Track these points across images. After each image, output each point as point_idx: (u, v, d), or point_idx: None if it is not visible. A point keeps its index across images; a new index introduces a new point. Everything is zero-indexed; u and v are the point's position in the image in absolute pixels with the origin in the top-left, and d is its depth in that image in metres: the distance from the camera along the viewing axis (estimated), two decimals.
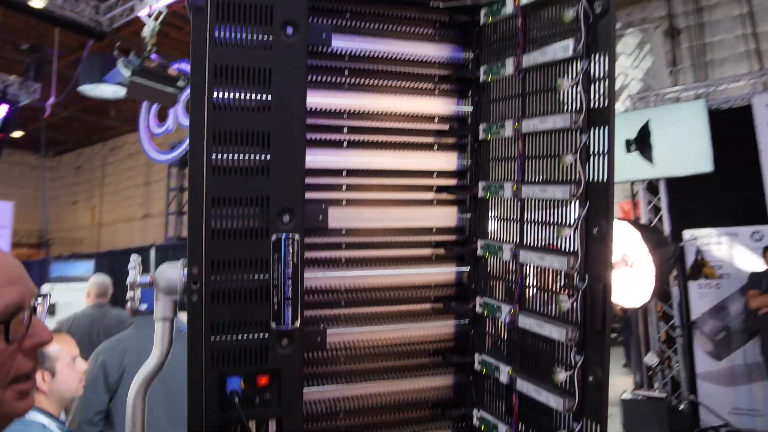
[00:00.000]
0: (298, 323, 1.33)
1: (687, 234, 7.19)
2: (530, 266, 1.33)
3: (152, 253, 11.22)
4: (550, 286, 1.28)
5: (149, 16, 8.02)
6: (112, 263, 11.53)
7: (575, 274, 1.18)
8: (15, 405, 0.93)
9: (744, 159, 7.06)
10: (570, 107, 1.19)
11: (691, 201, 7.43)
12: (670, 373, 7.16)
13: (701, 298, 7.13)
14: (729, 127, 7.15)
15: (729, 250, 7.01)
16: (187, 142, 10.15)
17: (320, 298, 1.47)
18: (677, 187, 7.45)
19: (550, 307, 1.28)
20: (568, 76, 1.18)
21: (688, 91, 7.89)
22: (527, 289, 1.35)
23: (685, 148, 7.14)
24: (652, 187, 7.68)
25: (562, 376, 1.19)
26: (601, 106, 1.13)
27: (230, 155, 1.29)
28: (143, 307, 3.88)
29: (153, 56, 7.83)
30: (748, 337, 6.74)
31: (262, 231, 1.31)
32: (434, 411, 1.54)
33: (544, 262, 1.26)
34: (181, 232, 13.66)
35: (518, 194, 1.35)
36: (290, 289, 1.32)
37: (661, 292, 7.12)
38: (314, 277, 1.45)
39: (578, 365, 1.17)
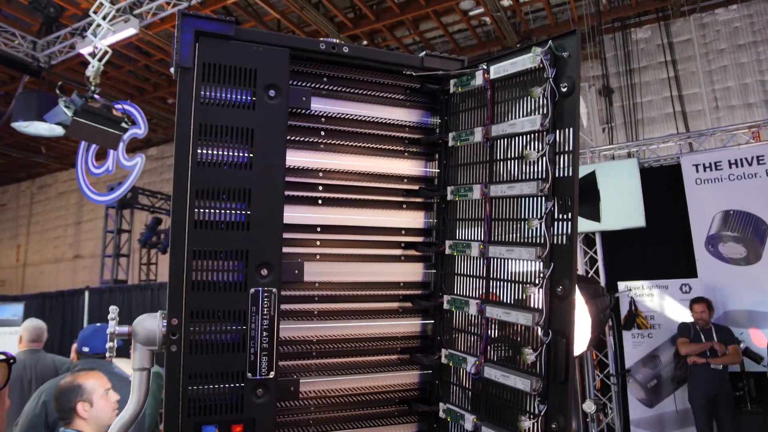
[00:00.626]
0: (272, 373, 1.37)
1: (621, 285, 7.55)
2: (496, 320, 1.42)
3: (86, 295, 10.78)
4: (515, 340, 1.37)
5: (93, 56, 7.94)
6: (43, 306, 10.99)
7: (539, 329, 1.28)
8: None
9: (674, 215, 7.54)
10: (537, 176, 1.31)
11: (625, 254, 7.83)
12: (605, 420, 7.37)
13: (634, 347, 7.45)
14: (660, 184, 7.65)
15: (660, 301, 7.39)
16: (127, 183, 9.90)
17: (293, 349, 1.51)
18: (612, 240, 7.85)
19: (514, 359, 1.37)
20: (535, 147, 1.31)
21: (621, 149, 8.41)
22: (492, 342, 1.44)
23: (620, 203, 7.57)
24: (588, 239, 8.05)
25: (526, 424, 1.27)
26: (565, 175, 1.26)
27: (212, 210, 1.34)
28: (86, 350, 3.88)
29: (96, 96, 7.72)
30: (677, 385, 7.07)
31: (241, 284, 1.36)
32: None
33: (509, 318, 1.36)
34: (118, 274, 13.18)
35: (485, 253, 1.45)
36: (266, 340, 1.37)
37: (597, 342, 7.40)
38: (288, 328, 1.49)
39: (542, 413, 1.26)
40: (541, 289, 1.28)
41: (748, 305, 7.13)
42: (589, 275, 7.70)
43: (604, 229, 7.72)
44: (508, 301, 1.40)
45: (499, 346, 1.43)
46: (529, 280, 1.32)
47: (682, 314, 6.90)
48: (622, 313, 7.45)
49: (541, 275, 1.28)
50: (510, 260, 1.40)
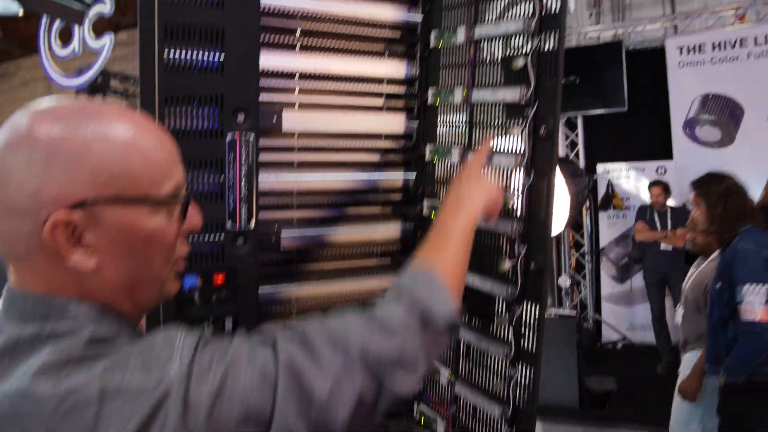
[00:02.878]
0: (253, 223, 1.36)
1: (600, 168, 7.64)
2: None
3: None
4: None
5: None
6: None
7: (522, 171, 1.27)
8: (171, 285, 0.90)
9: (655, 99, 7.52)
10: (523, 13, 1.24)
11: (606, 137, 7.87)
12: (578, 295, 7.73)
13: (609, 227, 7.68)
14: (644, 67, 7.56)
15: (636, 183, 7.53)
16: (96, 65, 9.46)
17: (273, 201, 1.50)
18: (593, 123, 7.85)
19: None
20: None
21: (607, 30, 8.19)
22: None
23: (603, 87, 7.49)
24: (570, 123, 8.03)
25: (506, 265, 1.30)
26: (553, 11, 1.20)
27: (182, 52, 1.27)
28: None
29: None
30: (635, 264, 7.36)
31: (217, 131, 1.31)
32: None
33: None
34: None
35: (468, 99, 1.41)
36: (246, 189, 1.35)
37: (574, 222, 7.59)
38: (267, 180, 1.47)
39: (522, 254, 1.28)
40: (524, 131, 1.25)
41: None
42: (569, 158, 7.76)
43: (586, 112, 7.69)
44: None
45: None
46: (512, 123, 1.30)
47: None
48: (599, 195, 7.60)
49: (525, 116, 1.25)
50: (493, 105, 1.36)
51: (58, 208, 0.73)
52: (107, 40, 10.42)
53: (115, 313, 0.80)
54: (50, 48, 11.47)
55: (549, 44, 1.21)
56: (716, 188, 3.23)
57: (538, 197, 1.24)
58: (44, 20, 11.15)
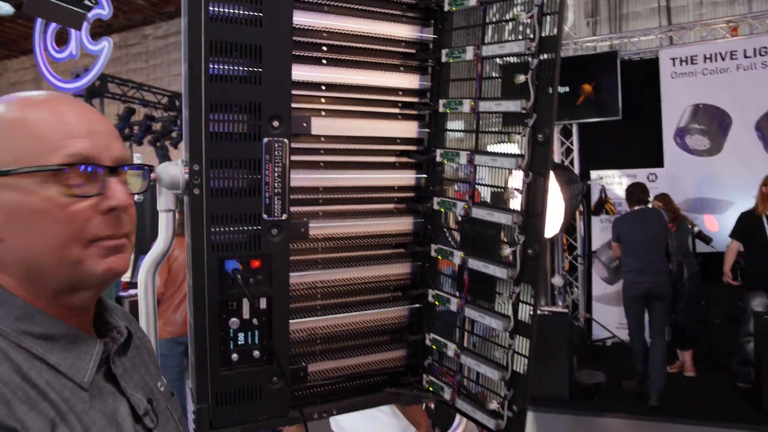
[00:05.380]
0: (285, 216, 1.55)
1: (594, 174, 7.87)
2: (483, 168, 1.61)
3: None
4: (500, 185, 1.57)
5: None
6: None
7: (522, 172, 1.47)
8: (100, 262, 0.84)
9: (648, 108, 7.75)
10: (525, 35, 1.45)
11: (600, 144, 8.10)
12: (570, 296, 7.94)
13: (602, 231, 7.90)
14: (638, 77, 7.79)
15: None
16: (95, 69, 9.45)
17: (302, 197, 1.69)
18: (588, 131, 8.08)
19: (499, 200, 1.57)
20: (525, 8, 1.43)
21: (603, 40, 8.43)
22: (480, 187, 1.63)
23: (598, 95, 7.73)
24: (565, 130, 8.26)
25: (507, 251, 1.49)
26: (550, 34, 1.40)
27: (225, 66, 1.45)
28: None
29: None
30: None
31: (255, 135, 1.50)
32: (395, 293, 1.83)
33: (496, 164, 1.54)
34: None
35: (475, 109, 1.61)
36: (279, 186, 1.53)
37: (568, 226, 7.80)
38: (296, 178, 1.66)
39: (521, 242, 1.47)
40: (524, 137, 1.45)
41: (706, 193, 7.56)
42: (565, 164, 7.98)
43: (582, 120, 7.93)
44: (496, 151, 1.58)
45: (485, 190, 1.62)
46: (514, 131, 1.50)
47: None
48: (593, 200, 7.83)
49: (525, 123, 1.45)
50: (497, 114, 1.56)
51: None
52: (105, 43, 10.48)
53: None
54: (46, 50, 11.46)
55: (547, 62, 1.41)
56: None
57: (535, 194, 1.44)
58: (39, 23, 11.15)
